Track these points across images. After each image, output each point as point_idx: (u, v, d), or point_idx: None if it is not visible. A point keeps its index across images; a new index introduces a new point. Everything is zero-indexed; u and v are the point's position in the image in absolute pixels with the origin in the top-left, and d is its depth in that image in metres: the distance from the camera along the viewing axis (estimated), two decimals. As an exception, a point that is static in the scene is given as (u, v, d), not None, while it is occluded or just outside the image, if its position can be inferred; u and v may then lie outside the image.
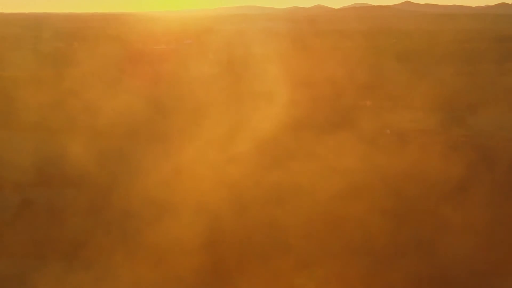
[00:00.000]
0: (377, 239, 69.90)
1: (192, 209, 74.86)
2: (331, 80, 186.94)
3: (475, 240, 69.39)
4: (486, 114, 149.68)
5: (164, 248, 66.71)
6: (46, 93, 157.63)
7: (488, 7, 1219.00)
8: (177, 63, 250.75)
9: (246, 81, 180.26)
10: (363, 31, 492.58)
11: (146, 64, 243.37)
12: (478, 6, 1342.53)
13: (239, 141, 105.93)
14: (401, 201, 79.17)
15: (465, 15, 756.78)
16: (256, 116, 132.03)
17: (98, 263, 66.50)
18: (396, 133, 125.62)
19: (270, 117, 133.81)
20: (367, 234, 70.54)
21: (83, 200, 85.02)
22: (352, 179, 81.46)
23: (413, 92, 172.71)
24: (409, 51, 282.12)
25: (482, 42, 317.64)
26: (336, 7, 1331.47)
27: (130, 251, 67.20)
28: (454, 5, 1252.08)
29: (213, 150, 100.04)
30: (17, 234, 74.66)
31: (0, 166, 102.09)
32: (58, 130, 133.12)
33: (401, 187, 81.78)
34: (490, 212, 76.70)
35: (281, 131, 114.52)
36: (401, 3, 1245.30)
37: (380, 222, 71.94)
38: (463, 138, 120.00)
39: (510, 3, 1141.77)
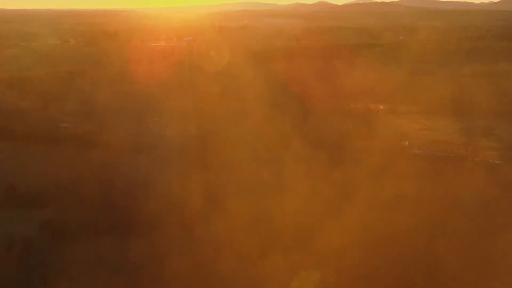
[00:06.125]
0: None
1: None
2: (338, 80, 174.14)
3: None
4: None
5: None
6: (25, 96, 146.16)
7: (492, 3, 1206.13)
8: (174, 61, 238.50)
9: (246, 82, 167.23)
10: (367, 28, 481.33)
11: (143, 62, 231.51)
12: (482, 2, 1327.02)
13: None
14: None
15: (470, 12, 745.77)
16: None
17: None
18: (415, 146, 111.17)
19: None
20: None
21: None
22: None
23: (429, 95, 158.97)
24: (418, 49, 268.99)
25: (493, 40, 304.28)
26: (339, 3, 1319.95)
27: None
28: (458, 2, 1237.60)
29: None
30: None
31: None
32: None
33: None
34: None
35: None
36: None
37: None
38: (494, 152, 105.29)
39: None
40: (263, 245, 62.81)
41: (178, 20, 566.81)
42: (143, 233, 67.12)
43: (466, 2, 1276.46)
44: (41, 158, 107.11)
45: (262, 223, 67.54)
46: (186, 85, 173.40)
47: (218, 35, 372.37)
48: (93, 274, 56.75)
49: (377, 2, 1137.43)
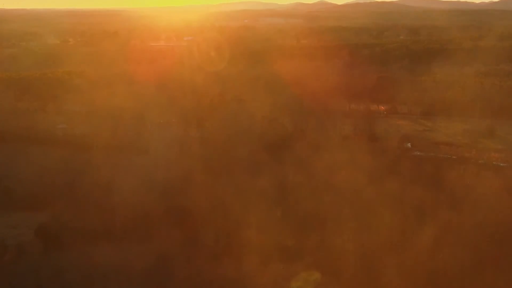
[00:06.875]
0: None
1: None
2: (338, 80, 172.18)
3: None
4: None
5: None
6: (23, 96, 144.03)
7: (492, 3, 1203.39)
8: (174, 61, 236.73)
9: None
10: (368, 27, 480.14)
11: (142, 62, 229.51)
12: (482, 2, 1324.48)
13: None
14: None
15: (470, 11, 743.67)
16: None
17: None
18: (418, 147, 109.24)
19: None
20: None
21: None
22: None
23: (430, 95, 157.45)
24: (420, 49, 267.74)
25: (495, 39, 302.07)
26: (339, 3, 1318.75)
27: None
28: (458, 1, 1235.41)
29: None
30: None
31: None
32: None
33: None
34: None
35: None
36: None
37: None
38: (497, 154, 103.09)
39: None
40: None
41: (178, 20, 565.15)
42: (141, 238, 65.47)
43: (466, 2, 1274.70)
44: (38, 160, 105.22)
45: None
46: (186, 85, 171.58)
47: (218, 35, 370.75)
48: (88, 281, 54.95)
49: (377, 2, 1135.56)
